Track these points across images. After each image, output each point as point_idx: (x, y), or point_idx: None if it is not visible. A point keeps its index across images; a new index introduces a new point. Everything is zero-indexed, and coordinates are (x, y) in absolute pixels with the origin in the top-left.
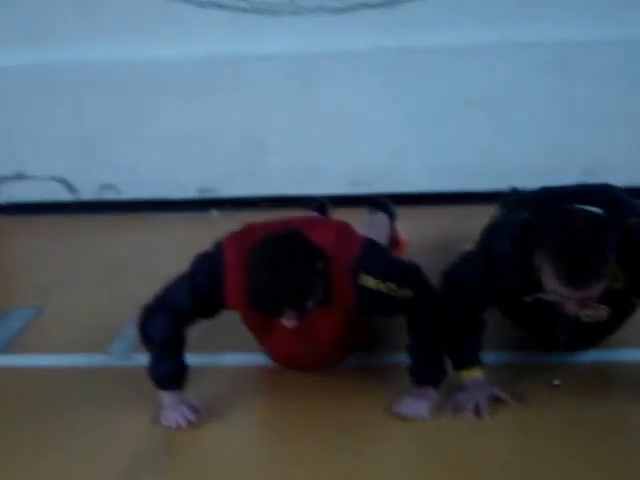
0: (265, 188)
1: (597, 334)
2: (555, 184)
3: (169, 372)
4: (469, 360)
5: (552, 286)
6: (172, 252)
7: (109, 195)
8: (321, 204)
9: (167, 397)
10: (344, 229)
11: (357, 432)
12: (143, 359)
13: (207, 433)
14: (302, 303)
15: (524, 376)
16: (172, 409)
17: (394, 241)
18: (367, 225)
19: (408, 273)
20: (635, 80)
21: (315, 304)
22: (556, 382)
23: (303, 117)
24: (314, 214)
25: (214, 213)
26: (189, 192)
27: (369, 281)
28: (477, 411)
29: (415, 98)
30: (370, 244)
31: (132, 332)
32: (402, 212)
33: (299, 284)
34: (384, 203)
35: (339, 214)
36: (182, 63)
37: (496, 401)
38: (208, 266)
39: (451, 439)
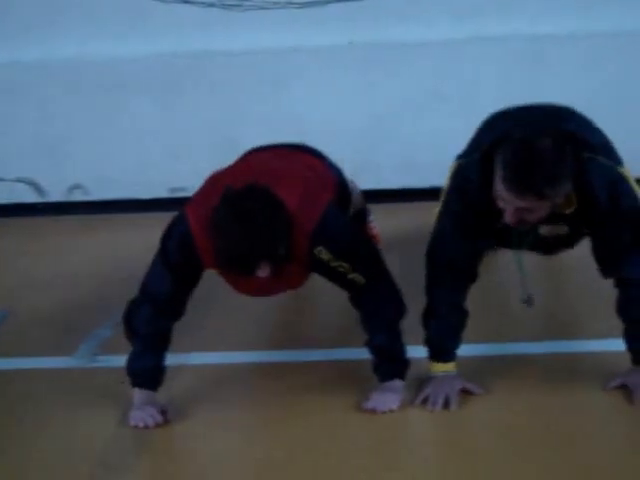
0: None
1: (559, 245)
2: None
3: (147, 368)
4: (447, 355)
5: (498, 188)
6: (142, 253)
7: (78, 196)
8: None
9: (138, 396)
10: (311, 185)
11: (331, 430)
12: (110, 360)
13: (175, 433)
14: (275, 254)
15: (492, 367)
16: (141, 409)
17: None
18: None
19: (365, 258)
20: (606, 73)
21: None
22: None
23: (274, 114)
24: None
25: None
26: (159, 192)
27: (323, 254)
28: (446, 404)
29: (387, 93)
30: (334, 211)
31: (100, 333)
32: (376, 209)
33: (268, 235)
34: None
35: None
36: (151, 61)
37: (465, 393)
38: (176, 239)
39: (422, 431)
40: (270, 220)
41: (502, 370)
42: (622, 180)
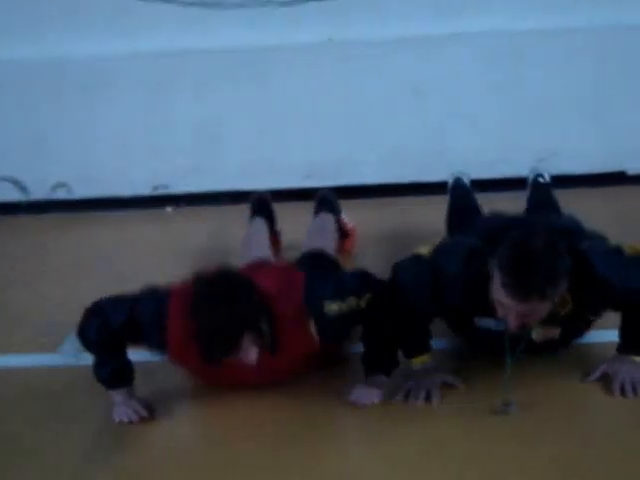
0: (219, 183)
1: (547, 349)
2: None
3: (112, 372)
4: (419, 348)
5: (498, 295)
6: (126, 250)
7: (61, 194)
8: (261, 199)
9: (116, 395)
10: (284, 270)
11: (312, 425)
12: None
13: (158, 430)
14: (257, 324)
15: (472, 361)
16: (123, 405)
17: (343, 233)
18: (314, 229)
19: (361, 281)
20: (584, 68)
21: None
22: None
23: (255, 111)
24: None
25: (168, 210)
26: (142, 189)
27: (332, 307)
28: (427, 398)
29: (366, 89)
30: (313, 275)
31: None
32: (355, 204)
33: (247, 307)
34: (325, 198)
35: (291, 208)
36: (133, 59)
37: (446, 387)
38: (154, 306)
39: (402, 425)
40: (248, 295)
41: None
42: (622, 253)
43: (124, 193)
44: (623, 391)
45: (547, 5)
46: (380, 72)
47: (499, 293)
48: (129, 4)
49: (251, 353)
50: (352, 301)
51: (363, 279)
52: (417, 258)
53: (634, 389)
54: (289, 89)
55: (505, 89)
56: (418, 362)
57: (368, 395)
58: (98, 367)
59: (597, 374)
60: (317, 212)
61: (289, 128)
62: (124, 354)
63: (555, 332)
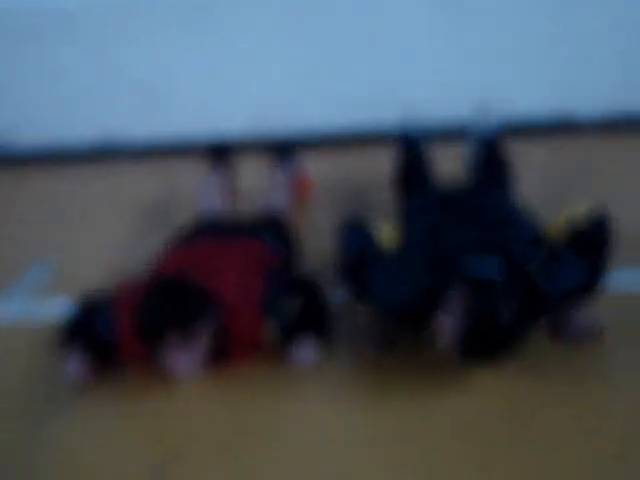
0: (168, 133)
1: None
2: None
3: (77, 324)
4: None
5: (447, 328)
6: (74, 202)
7: (6, 146)
8: (220, 147)
9: (72, 351)
10: (242, 276)
11: (254, 387)
12: (43, 307)
13: (106, 388)
14: (185, 324)
15: None
16: (73, 362)
17: (299, 181)
18: (272, 184)
19: (303, 285)
20: (532, 13)
21: (209, 351)
22: None
23: (203, 59)
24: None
25: (118, 160)
26: (90, 140)
27: (287, 307)
28: (378, 346)
29: (315, 34)
30: (268, 278)
31: (33, 279)
32: (307, 153)
33: (183, 305)
34: (282, 147)
35: (243, 157)
36: (76, 11)
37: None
38: (101, 318)
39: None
40: (189, 295)
41: None
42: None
43: (71, 144)
44: (572, 339)
45: None
46: (330, 17)
47: (448, 336)
48: None
49: (175, 353)
50: (298, 299)
51: (308, 286)
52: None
53: (582, 337)
54: (237, 35)
55: (453, 35)
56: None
57: (307, 353)
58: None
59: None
60: (274, 161)
61: (238, 76)
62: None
63: None
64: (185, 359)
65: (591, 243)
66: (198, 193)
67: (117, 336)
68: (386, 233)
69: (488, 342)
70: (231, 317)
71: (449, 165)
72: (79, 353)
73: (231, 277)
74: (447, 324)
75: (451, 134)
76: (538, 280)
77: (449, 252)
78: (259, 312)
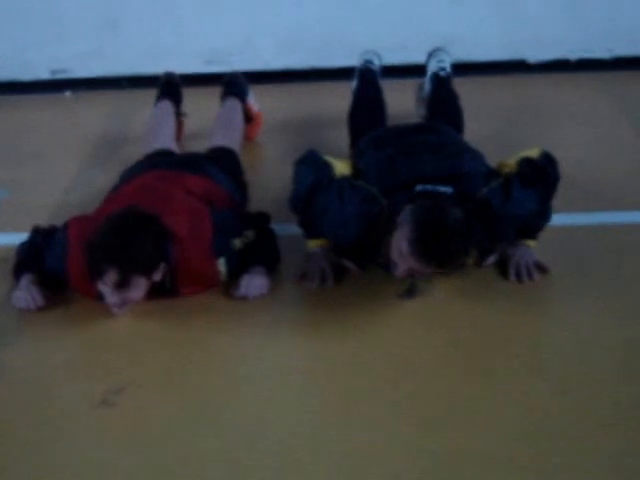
0: (119, 68)
1: None
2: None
3: (29, 253)
4: (316, 233)
5: (400, 245)
6: (25, 135)
7: None
8: (170, 82)
9: (23, 278)
10: (193, 209)
11: (197, 319)
12: None
13: (56, 316)
14: (126, 262)
15: None
16: (24, 290)
17: (248, 117)
18: (221, 120)
19: (253, 220)
20: None
21: (155, 283)
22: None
23: None
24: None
25: (68, 94)
26: (41, 73)
27: (236, 243)
28: (323, 279)
29: None
30: (219, 215)
31: None
32: (256, 90)
33: (127, 242)
34: (232, 82)
35: (193, 93)
36: None
37: (342, 270)
38: (53, 248)
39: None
40: (138, 234)
41: None
42: (513, 186)
43: (22, 77)
44: (519, 275)
45: None
46: None
47: (410, 262)
48: None
49: (109, 280)
50: (248, 235)
51: (256, 215)
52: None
53: (529, 273)
54: None
55: None
56: (315, 244)
57: (256, 287)
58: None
59: (491, 259)
60: (224, 97)
61: (188, 12)
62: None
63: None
64: (121, 298)
65: (540, 175)
66: (146, 126)
67: (67, 267)
68: (340, 168)
69: (441, 243)
70: (181, 254)
71: (402, 102)
72: (30, 281)
73: (182, 214)
74: (400, 238)
75: (404, 71)
76: (491, 202)
77: (403, 182)
78: (210, 251)
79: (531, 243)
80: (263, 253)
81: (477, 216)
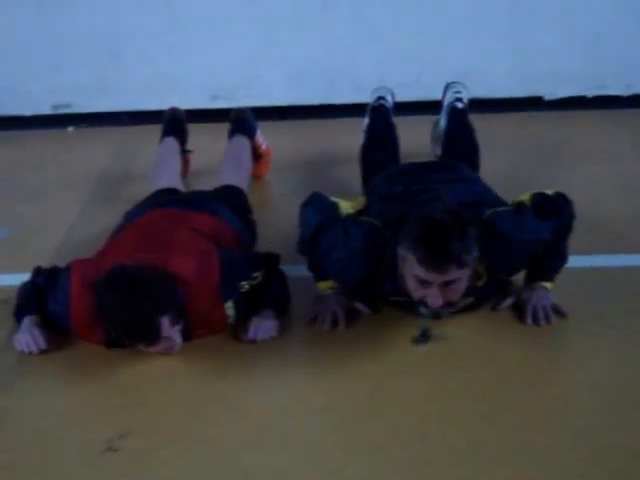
0: (123, 103)
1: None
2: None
3: (30, 295)
4: (326, 275)
5: (416, 272)
6: (26, 172)
7: None
8: (175, 118)
9: (25, 320)
10: (201, 254)
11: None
12: None
13: (57, 350)
14: (171, 307)
15: None
16: (26, 332)
17: (257, 155)
18: (229, 158)
19: (262, 261)
20: None
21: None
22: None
23: (160, 26)
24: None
25: (70, 130)
26: (42, 108)
27: (244, 285)
28: (335, 322)
29: (274, 4)
30: (227, 256)
31: None
32: (265, 126)
33: (157, 293)
34: (240, 119)
35: (199, 129)
36: None
37: (354, 313)
38: (55, 292)
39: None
40: (153, 280)
41: None
42: (524, 212)
43: (23, 111)
44: (536, 319)
45: None
46: None
47: (416, 270)
48: None
49: (174, 338)
50: (257, 277)
51: (265, 259)
52: (332, 210)
53: (546, 316)
54: (194, 3)
55: (417, 8)
56: (325, 287)
57: (265, 330)
58: (23, 290)
59: (508, 302)
60: (232, 134)
61: (194, 45)
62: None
63: (469, 301)
64: (162, 348)
65: (555, 209)
66: (151, 163)
67: (69, 314)
68: (345, 207)
69: (439, 235)
70: (189, 297)
71: (416, 139)
72: (32, 323)
73: (188, 257)
74: (403, 249)
75: (418, 108)
76: (496, 223)
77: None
78: (217, 295)
79: (548, 285)
80: (272, 295)
81: (482, 237)
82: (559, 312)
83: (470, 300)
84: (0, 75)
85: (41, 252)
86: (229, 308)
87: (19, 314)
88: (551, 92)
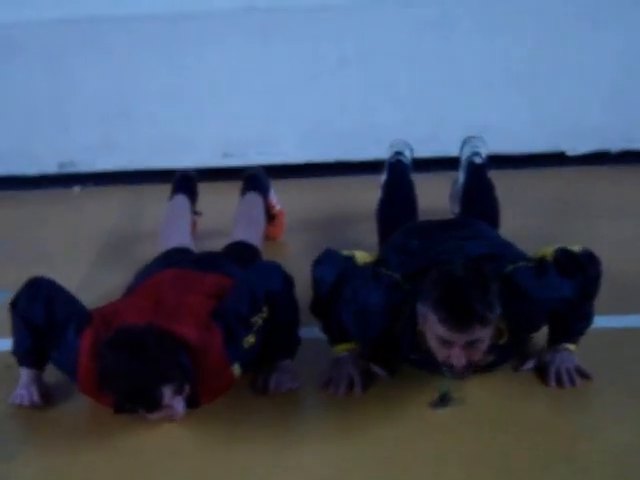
0: (130, 161)
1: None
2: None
3: (30, 348)
4: (342, 336)
5: (437, 333)
6: (31, 233)
7: None
8: (186, 177)
9: (24, 374)
10: (202, 318)
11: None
12: None
13: (59, 416)
14: (173, 376)
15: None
16: (23, 387)
17: (270, 216)
18: (241, 216)
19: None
20: (518, 40)
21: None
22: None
23: (169, 84)
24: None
25: (76, 189)
26: (48, 167)
27: (249, 340)
28: (350, 386)
29: (287, 60)
30: (226, 316)
31: None
32: (278, 185)
33: (159, 360)
34: (254, 178)
35: (209, 188)
36: (35, 26)
37: (370, 376)
38: (63, 349)
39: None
40: (157, 346)
41: None
42: (547, 269)
43: (28, 171)
44: (559, 381)
45: None
46: (301, 40)
47: (438, 330)
48: None
49: (177, 407)
50: (259, 320)
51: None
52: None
53: (570, 379)
54: (205, 60)
55: (434, 62)
56: (342, 349)
57: (285, 382)
58: (18, 339)
59: (530, 364)
60: (244, 191)
61: (205, 102)
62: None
63: (490, 358)
64: (164, 414)
65: (579, 268)
66: (161, 223)
67: (78, 377)
68: (361, 257)
69: (461, 293)
70: (196, 365)
71: (435, 197)
72: (30, 379)
73: (194, 324)
74: (423, 307)
75: (437, 164)
76: (516, 279)
77: (425, 267)
78: (224, 360)
79: (572, 347)
80: (282, 337)
81: (502, 293)
82: (583, 375)
83: (491, 358)
84: (5, 134)
85: None
86: (236, 369)
87: (18, 360)
88: (573, 147)
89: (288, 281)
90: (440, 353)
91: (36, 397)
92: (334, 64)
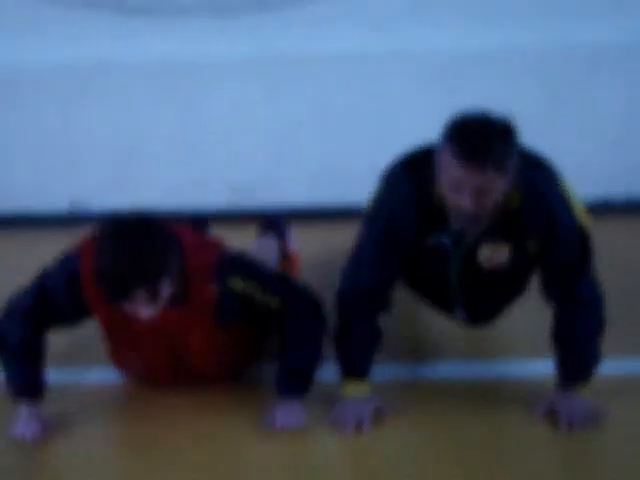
0: (140, 202)
1: (494, 297)
2: None
3: (24, 382)
4: (360, 372)
5: (450, 171)
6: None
7: None
8: (199, 221)
9: (23, 408)
10: (206, 239)
11: (230, 450)
12: None
13: (64, 449)
14: (153, 280)
15: (412, 391)
16: (23, 422)
17: (285, 257)
18: (256, 247)
19: (275, 280)
20: (532, 92)
21: (171, 297)
22: None
23: (179, 127)
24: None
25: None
26: (60, 207)
27: (236, 282)
28: (359, 427)
29: (296, 107)
30: (230, 251)
31: None
32: (291, 226)
33: (149, 256)
34: (269, 222)
35: (220, 230)
36: (47, 69)
37: (379, 416)
38: (63, 268)
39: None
40: (155, 245)
41: (418, 394)
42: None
43: (40, 211)
44: (571, 426)
45: (493, 26)
46: (310, 88)
47: (451, 168)
48: (48, 12)
49: (143, 309)
50: (259, 291)
51: (280, 280)
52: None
53: (582, 424)
54: (214, 104)
55: (444, 111)
56: (353, 391)
57: (293, 420)
58: (11, 374)
59: (541, 411)
60: (258, 236)
61: (215, 145)
62: (40, 368)
63: (503, 253)
64: (150, 309)
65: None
66: None
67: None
68: None
69: (485, 134)
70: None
71: None
72: (29, 413)
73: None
74: (444, 150)
75: None
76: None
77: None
78: (220, 265)
79: (582, 389)
80: (298, 373)
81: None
82: (595, 418)
83: (504, 256)
84: (20, 176)
85: (54, 348)
86: (215, 290)
87: (14, 394)
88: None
89: (324, 324)
90: (451, 199)
91: (37, 433)
92: (342, 108)
